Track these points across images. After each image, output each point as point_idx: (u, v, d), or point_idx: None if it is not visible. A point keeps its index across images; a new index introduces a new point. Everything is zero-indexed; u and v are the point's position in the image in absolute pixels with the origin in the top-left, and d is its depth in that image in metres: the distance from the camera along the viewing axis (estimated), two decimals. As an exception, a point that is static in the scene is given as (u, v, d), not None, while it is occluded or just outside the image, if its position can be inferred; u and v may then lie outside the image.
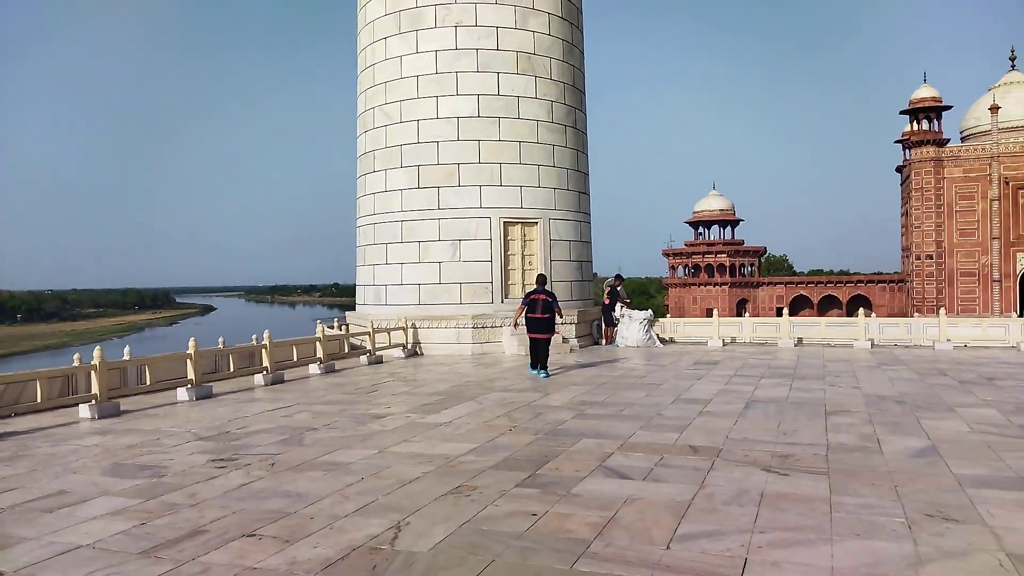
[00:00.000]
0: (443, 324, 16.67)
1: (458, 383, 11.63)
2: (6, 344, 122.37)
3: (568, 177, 18.03)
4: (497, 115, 16.92)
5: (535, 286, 12.95)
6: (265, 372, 12.21)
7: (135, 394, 10.68)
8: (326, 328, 19.71)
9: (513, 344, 16.38)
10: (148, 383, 10.71)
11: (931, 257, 72.02)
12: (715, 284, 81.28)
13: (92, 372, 9.51)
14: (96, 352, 9.69)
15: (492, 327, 16.73)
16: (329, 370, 13.70)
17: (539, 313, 12.45)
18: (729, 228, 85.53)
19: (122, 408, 9.68)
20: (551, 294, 12.72)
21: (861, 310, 17.78)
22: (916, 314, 68.89)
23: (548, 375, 12.26)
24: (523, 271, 17.37)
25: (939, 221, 71.33)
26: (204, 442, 7.51)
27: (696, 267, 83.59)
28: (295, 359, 13.35)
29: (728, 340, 18.32)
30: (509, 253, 17.19)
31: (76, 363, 9.93)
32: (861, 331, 16.92)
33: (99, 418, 9.18)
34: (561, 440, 7.09)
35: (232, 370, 11.93)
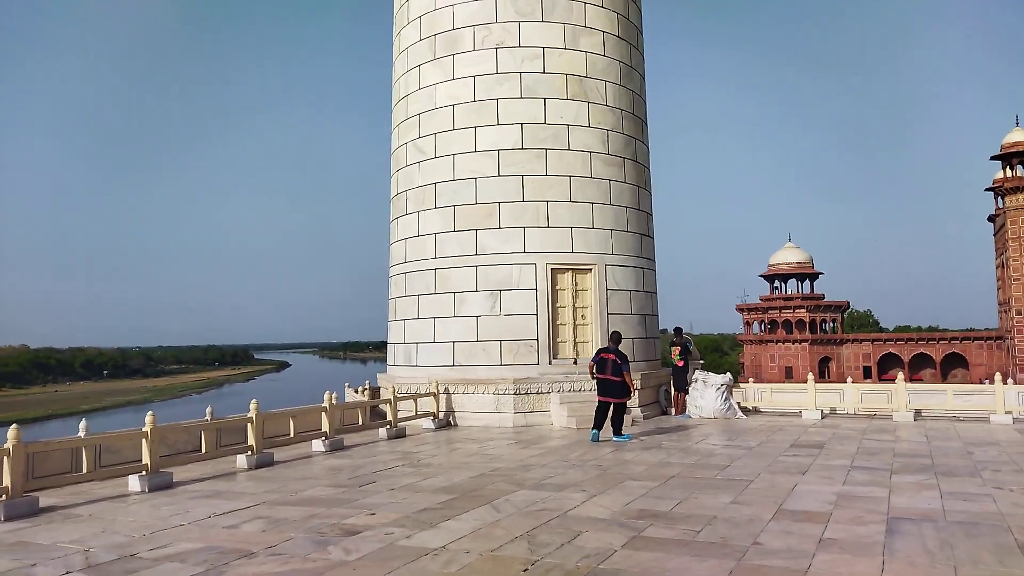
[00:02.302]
0: (480, 389, 14.15)
1: (482, 471, 9.03)
2: (89, 400, 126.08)
3: (627, 217, 15.50)
4: (544, 147, 14.65)
5: (608, 344, 12.42)
6: (250, 453, 9.91)
7: (72, 483, 8.50)
8: (355, 392, 17.57)
9: (562, 415, 13.68)
10: (85, 470, 8.50)
11: (1034, 312, 65.66)
12: (794, 341, 76.14)
13: (4, 458, 7.37)
14: (11, 432, 7.56)
15: (538, 393, 14.10)
16: (336, 447, 11.32)
17: (608, 374, 11.77)
18: (808, 281, 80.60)
19: (41, 505, 7.50)
20: (621, 355, 11.88)
21: (998, 374, 14.36)
22: (1021, 374, 62.28)
23: (624, 438, 11.61)
24: (575, 326, 14.76)
25: (1042, 272, 65.20)
26: (78, 578, 5.16)
27: (773, 323, 78.76)
28: (291, 434, 11.03)
29: (827, 411, 15.11)
30: (558, 305, 14.66)
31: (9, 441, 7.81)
32: (1000, 402, 13.49)
33: (3, 519, 7.00)
34: (602, 599, 4.41)
35: (206, 451, 9.67)
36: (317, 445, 11.23)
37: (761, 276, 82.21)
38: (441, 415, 14.24)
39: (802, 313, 76.96)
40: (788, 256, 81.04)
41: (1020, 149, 66.06)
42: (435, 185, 15.13)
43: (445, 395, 14.41)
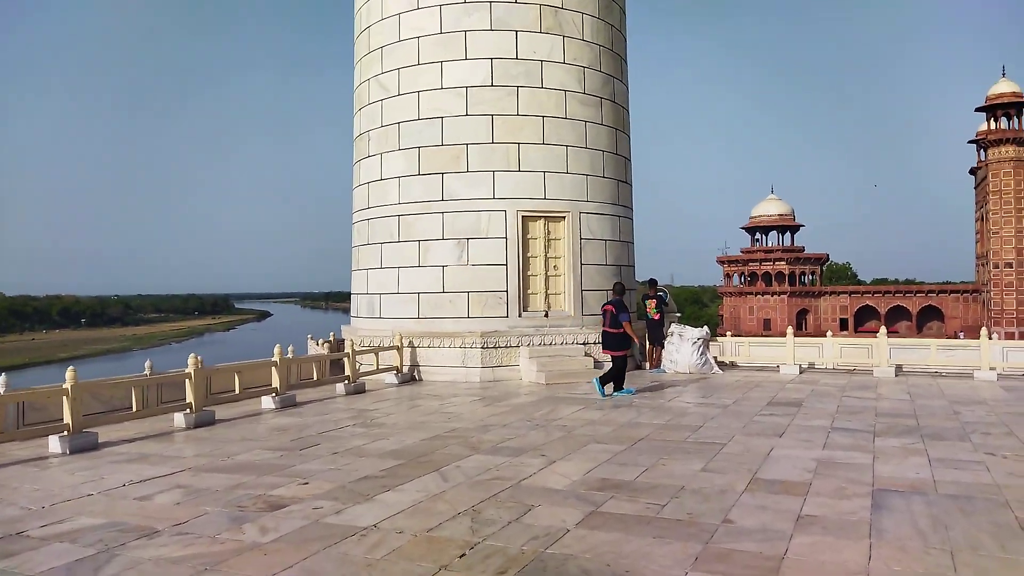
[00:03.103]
0: (446, 343, 13.44)
1: (438, 432, 8.36)
2: (67, 348, 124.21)
3: (604, 162, 14.63)
4: (515, 84, 13.64)
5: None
6: (188, 411, 9.17)
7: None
8: (317, 344, 16.81)
9: (531, 370, 13.04)
10: (1, 430, 7.72)
11: (1010, 265, 65.95)
12: (773, 293, 76.19)
13: None
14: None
15: (507, 347, 13.42)
16: (287, 404, 10.61)
17: (607, 326, 11.44)
18: (788, 234, 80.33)
19: (-60, 471, 6.74)
20: (620, 305, 11.50)
21: (984, 329, 13.88)
22: (996, 327, 62.85)
23: (625, 392, 11.20)
24: (546, 277, 14.02)
25: (1020, 226, 65.31)
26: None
27: (753, 275, 78.63)
28: (237, 390, 10.27)
29: (806, 365, 14.61)
30: (529, 255, 13.88)
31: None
32: (985, 357, 13.02)
33: None
34: (545, 594, 3.77)
35: (136, 409, 8.90)
36: (267, 402, 10.51)
37: (743, 228, 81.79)
38: (405, 369, 13.55)
39: (782, 266, 76.86)
40: (770, 208, 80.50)
41: (1005, 101, 65.36)
42: (399, 125, 14.13)
43: (410, 348, 13.70)
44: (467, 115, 13.57)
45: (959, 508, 5.11)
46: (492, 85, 13.55)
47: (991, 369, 12.93)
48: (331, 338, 16.44)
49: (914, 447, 7.18)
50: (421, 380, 13.56)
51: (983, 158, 68.60)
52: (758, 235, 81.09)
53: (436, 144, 13.72)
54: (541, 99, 13.76)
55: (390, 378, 13.23)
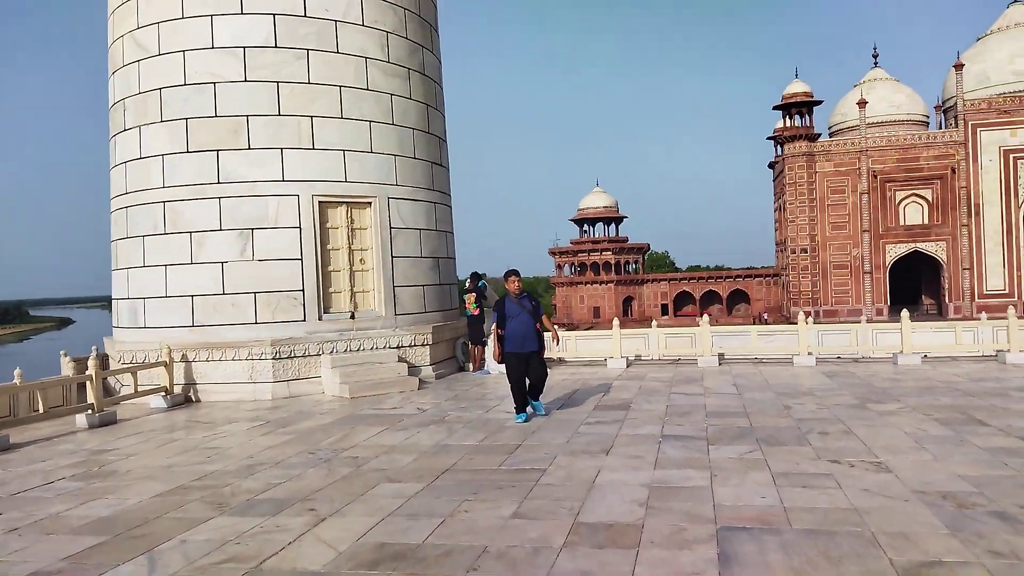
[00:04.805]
0: (229, 355, 11.21)
1: (183, 482, 6.35)
2: None
3: (415, 141, 13.01)
4: (305, 46, 11.62)
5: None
6: None
7: None
8: (73, 362, 13.79)
9: (334, 381, 11.18)
10: None
11: (805, 251, 72.48)
12: (601, 282, 78.75)
13: None
14: None
15: (305, 356, 11.45)
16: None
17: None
18: (614, 225, 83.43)
19: None
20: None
21: (800, 314, 13.90)
22: (794, 307, 69.02)
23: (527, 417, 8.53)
24: (351, 272, 12.19)
25: (812, 215, 71.88)
26: None
27: (583, 265, 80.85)
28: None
29: (632, 358, 13.94)
30: (330, 247, 11.98)
31: None
32: (803, 343, 12.94)
33: None
34: None
35: None
36: (-40, 448, 7.86)
37: (571, 220, 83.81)
38: (178, 390, 11.17)
39: (608, 255, 79.64)
40: (596, 200, 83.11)
41: (798, 100, 71.60)
42: (160, 91, 11.61)
43: (184, 364, 11.32)
44: (246, 81, 11.37)
45: (822, 553, 4.06)
46: (276, 47, 11.44)
47: (809, 354, 12.87)
48: (94, 353, 13.50)
49: (753, 458, 6.26)
50: (199, 401, 11.25)
51: (780, 153, 74.86)
52: (586, 227, 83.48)
53: (208, 115, 11.39)
54: (338, 66, 11.85)
55: (157, 401, 10.82)
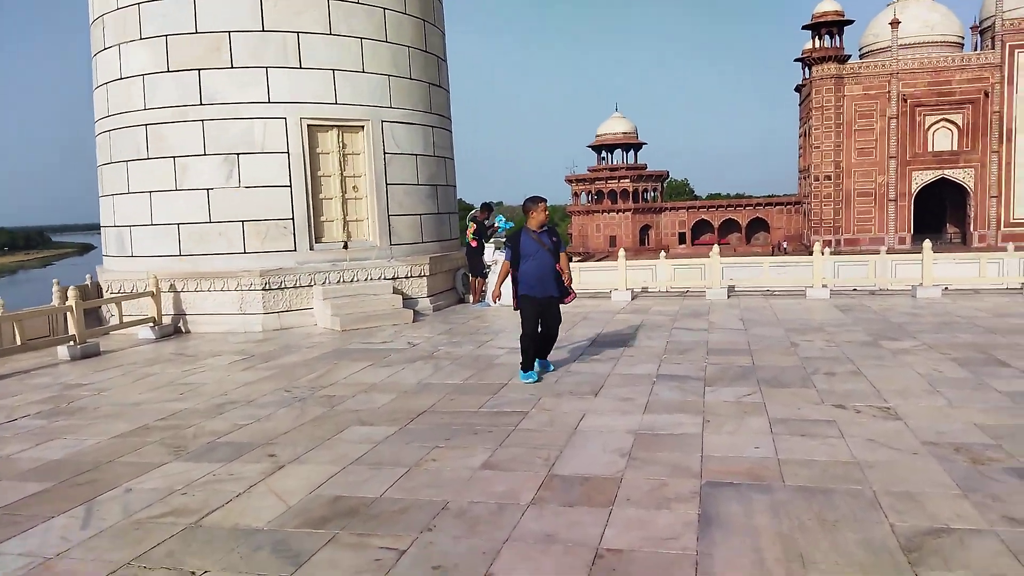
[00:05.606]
0: (217, 285, 10.87)
1: (147, 421, 6.06)
2: None
3: (411, 60, 12.23)
4: (288, -45, 10.79)
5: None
6: None
7: None
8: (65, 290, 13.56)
9: (326, 314, 10.83)
10: None
11: (829, 178, 70.44)
12: (618, 211, 77.52)
13: None
14: None
15: (296, 287, 11.08)
16: (-34, 382, 7.78)
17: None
18: (632, 152, 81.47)
19: None
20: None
21: (817, 244, 13.26)
22: (813, 236, 67.58)
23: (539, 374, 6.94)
24: (344, 200, 11.67)
25: (838, 141, 69.45)
26: None
27: (600, 193, 79.42)
28: None
29: (639, 290, 13.45)
30: (321, 174, 11.43)
31: None
32: (818, 274, 12.34)
33: None
34: None
35: None
36: (-67, 382, 7.64)
37: (589, 147, 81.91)
38: (167, 320, 10.91)
39: (626, 183, 78.06)
40: (615, 126, 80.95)
41: (829, 19, 68.20)
42: (139, 6, 10.89)
43: (172, 294, 11.01)
44: (226, -7, 10.61)
45: (816, 515, 3.63)
46: (256, -45, 10.62)
47: (824, 287, 12.29)
48: (88, 282, 13.26)
49: (751, 401, 5.82)
50: (189, 333, 10.99)
51: (807, 75, 71.87)
52: (604, 153, 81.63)
53: (188, 31, 10.70)
54: (323, -24, 11.01)
55: (146, 332, 10.57)
